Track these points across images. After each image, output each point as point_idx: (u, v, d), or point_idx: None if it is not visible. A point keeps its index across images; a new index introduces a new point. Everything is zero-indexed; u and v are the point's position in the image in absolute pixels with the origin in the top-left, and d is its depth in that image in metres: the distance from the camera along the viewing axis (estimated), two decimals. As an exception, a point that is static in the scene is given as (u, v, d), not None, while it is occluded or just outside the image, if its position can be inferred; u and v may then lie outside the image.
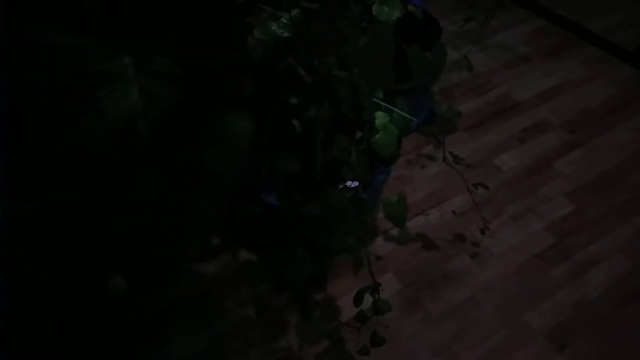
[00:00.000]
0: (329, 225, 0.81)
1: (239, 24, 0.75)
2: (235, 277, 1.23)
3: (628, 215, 1.32)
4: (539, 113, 1.59)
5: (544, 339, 1.11)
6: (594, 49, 1.81)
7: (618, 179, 1.40)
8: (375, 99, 0.76)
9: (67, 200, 0.73)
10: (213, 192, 0.64)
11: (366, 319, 0.90)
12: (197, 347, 1.12)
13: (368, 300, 0.94)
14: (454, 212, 1.34)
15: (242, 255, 1.27)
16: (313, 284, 1.18)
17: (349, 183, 1.21)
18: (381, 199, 1.33)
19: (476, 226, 1.28)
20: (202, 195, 0.65)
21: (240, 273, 1.24)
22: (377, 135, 0.74)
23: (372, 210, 1.27)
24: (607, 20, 1.90)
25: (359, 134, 0.80)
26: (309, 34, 0.64)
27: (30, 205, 0.75)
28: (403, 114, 0.79)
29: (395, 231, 1.31)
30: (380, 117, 0.74)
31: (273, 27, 0.71)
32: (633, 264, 1.22)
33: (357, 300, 0.88)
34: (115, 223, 0.66)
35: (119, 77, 0.64)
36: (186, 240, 0.66)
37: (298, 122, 0.82)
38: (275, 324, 1.15)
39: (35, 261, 0.85)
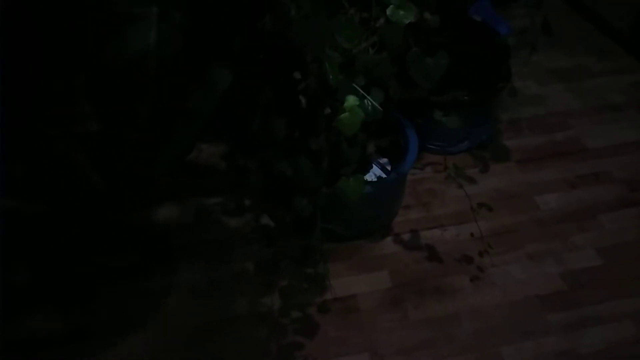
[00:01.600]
0: (292, 187, 0.91)
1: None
2: (250, 236, 1.37)
3: (660, 287, 1.21)
4: (604, 164, 1.51)
5: (512, 376, 1.08)
6: (699, 113, 1.65)
7: (665, 249, 1.29)
8: (355, 85, 0.83)
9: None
10: (188, 125, 0.78)
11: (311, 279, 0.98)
12: (197, 285, 1.28)
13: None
14: (472, 234, 1.34)
15: (264, 218, 1.41)
16: (306, 255, 1.27)
17: (369, 176, 1.29)
18: (397, 201, 1.38)
19: (490, 252, 1.28)
20: (179, 126, 0.79)
21: (255, 233, 1.37)
22: (342, 115, 0.81)
23: (383, 209, 1.32)
24: None
25: (327, 110, 0.87)
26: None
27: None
28: (374, 102, 0.85)
29: (406, 236, 1.35)
30: (349, 100, 0.81)
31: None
32: (643, 334, 1.13)
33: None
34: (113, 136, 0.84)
35: (144, 20, 0.80)
36: (158, 160, 0.81)
37: (304, 97, 0.93)
38: (267, 283, 1.26)
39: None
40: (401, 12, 0.87)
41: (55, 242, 1.31)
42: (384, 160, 1.33)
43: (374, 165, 1.31)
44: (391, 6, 0.87)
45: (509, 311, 1.19)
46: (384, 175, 1.29)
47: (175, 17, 0.80)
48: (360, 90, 0.84)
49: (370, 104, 0.84)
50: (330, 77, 0.80)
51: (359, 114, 0.81)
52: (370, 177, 1.28)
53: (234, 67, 0.75)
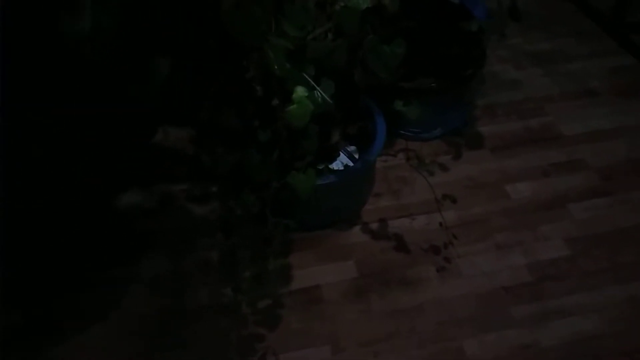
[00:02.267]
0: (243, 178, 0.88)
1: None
2: (215, 224, 1.34)
3: (626, 279, 1.20)
4: (579, 151, 1.48)
5: (473, 368, 1.08)
6: (678, 100, 1.63)
7: (634, 240, 1.28)
8: (305, 75, 0.79)
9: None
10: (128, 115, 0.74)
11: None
12: (160, 274, 1.25)
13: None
14: (440, 224, 1.31)
15: (229, 206, 1.37)
16: (267, 247, 1.24)
17: (336, 165, 1.25)
18: (365, 190, 1.35)
19: (457, 243, 1.26)
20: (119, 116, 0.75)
21: (220, 221, 1.34)
22: (291, 106, 0.77)
23: (350, 199, 1.29)
24: None
25: (275, 101, 0.84)
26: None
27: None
28: (323, 93, 0.81)
29: (375, 225, 1.33)
30: (298, 91, 0.77)
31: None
32: (606, 328, 1.12)
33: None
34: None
35: (78, 6, 0.75)
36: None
37: (260, 87, 0.89)
38: (230, 273, 1.24)
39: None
40: (358, -4, 0.83)
41: (16, 233, 1.27)
42: (352, 148, 1.29)
43: (341, 154, 1.27)
44: (346, -12, 0.82)
45: (474, 303, 1.18)
46: (351, 164, 1.26)
47: (111, 3, 0.75)
48: (310, 81, 0.80)
49: (320, 95, 0.80)
50: (275, 67, 0.75)
51: (307, 106, 0.77)
52: (337, 165, 1.25)
53: (176, 56, 0.71)
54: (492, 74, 1.70)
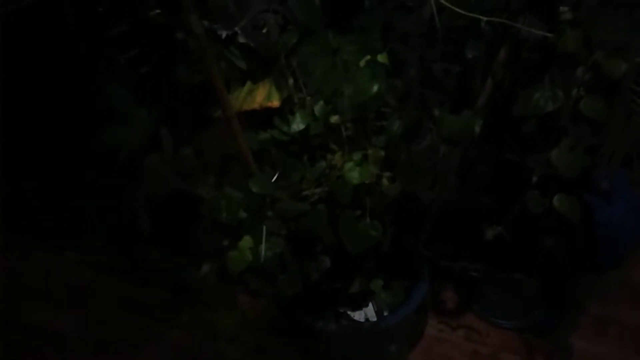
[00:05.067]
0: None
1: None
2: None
3: None
4: None
5: None
6: None
7: None
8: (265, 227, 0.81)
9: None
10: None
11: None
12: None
13: None
14: None
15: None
16: None
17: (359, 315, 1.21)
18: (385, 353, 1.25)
19: None
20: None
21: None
22: (232, 252, 0.79)
23: (360, 353, 1.21)
24: None
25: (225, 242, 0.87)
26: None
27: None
28: (264, 250, 0.80)
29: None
30: (245, 241, 0.78)
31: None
32: None
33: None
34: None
35: (131, 119, 0.95)
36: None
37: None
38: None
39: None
40: (357, 170, 0.83)
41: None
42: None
43: (370, 304, 1.21)
44: (350, 163, 0.83)
45: None
46: (374, 319, 1.19)
47: (151, 122, 0.93)
48: (263, 234, 0.81)
49: (263, 251, 0.81)
50: (224, 214, 0.80)
51: (246, 257, 0.79)
52: (359, 315, 1.20)
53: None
54: (627, 280, 1.38)
